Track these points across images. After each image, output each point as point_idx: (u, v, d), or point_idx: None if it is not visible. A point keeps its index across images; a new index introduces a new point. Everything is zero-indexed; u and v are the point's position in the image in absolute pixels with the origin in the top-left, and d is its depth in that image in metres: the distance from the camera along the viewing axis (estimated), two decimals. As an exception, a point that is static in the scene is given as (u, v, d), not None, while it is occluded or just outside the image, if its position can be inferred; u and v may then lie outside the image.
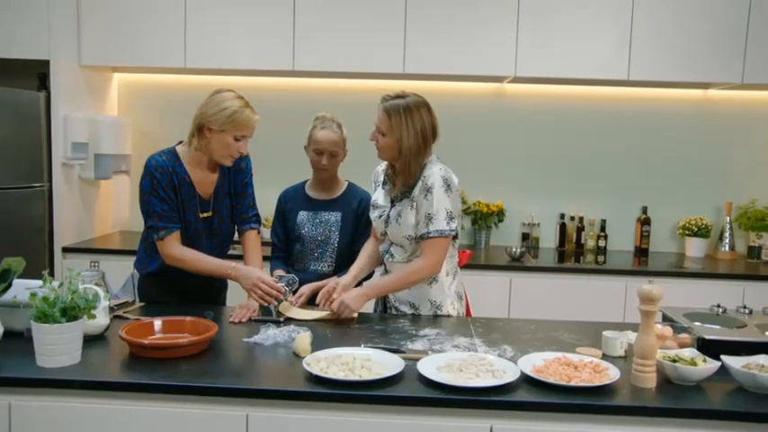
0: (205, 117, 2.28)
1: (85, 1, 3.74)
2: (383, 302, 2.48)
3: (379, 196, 2.46)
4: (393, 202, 2.38)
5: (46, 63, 3.59)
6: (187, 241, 2.37)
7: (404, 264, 2.36)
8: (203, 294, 2.53)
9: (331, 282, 2.38)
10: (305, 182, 2.79)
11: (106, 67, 4.01)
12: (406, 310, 2.39)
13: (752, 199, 4.04)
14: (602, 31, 3.69)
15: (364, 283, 2.49)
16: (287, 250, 2.73)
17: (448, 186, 2.27)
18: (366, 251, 2.53)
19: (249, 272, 2.29)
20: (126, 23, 3.75)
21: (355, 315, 2.29)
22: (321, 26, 3.71)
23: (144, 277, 2.50)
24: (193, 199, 2.38)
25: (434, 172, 2.27)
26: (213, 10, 3.74)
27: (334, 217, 2.66)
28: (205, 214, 2.42)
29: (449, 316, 2.37)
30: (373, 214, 2.46)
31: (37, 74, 3.73)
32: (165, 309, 2.24)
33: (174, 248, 2.32)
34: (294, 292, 2.38)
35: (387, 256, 2.42)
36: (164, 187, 2.30)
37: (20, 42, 3.56)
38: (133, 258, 2.58)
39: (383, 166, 2.50)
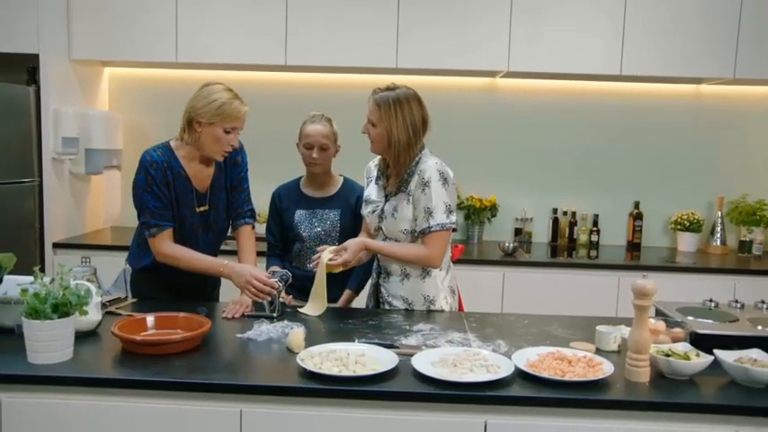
0: (194, 110, 2.28)
1: (75, -6, 3.72)
2: (376, 297, 2.48)
3: (372, 191, 2.45)
4: (387, 197, 2.37)
5: (35, 57, 3.55)
6: (182, 236, 2.35)
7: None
8: (196, 290, 2.51)
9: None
10: (299, 179, 2.77)
11: (96, 61, 3.98)
12: (399, 305, 2.39)
13: (743, 194, 4.06)
14: (595, 26, 3.69)
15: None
16: (283, 248, 2.72)
17: (445, 180, 2.28)
18: None
19: (242, 269, 2.28)
20: (116, 17, 3.72)
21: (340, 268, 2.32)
22: (313, 20, 3.70)
23: (137, 272, 2.48)
24: (190, 193, 2.37)
25: (431, 166, 2.27)
26: (204, 4, 3.71)
27: (332, 215, 2.65)
28: (202, 208, 2.41)
29: (442, 311, 2.37)
30: (366, 209, 2.45)
31: (26, 68, 3.70)
32: (158, 305, 2.22)
33: (166, 246, 2.30)
34: (289, 287, 2.37)
35: (380, 251, 2.42)
36: (158, 183, 2.28)
37: (9, 36, 3.53)
38: (125, 254, 2.57)
39: (376, 161, 2.49)
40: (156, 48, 3.74)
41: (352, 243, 2.32)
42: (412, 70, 3.76)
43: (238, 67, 3.88)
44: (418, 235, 2.31)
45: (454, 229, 2.34)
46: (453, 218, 2.30)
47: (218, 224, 2.48)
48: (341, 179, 2.75)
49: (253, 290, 2.22)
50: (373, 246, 2.36)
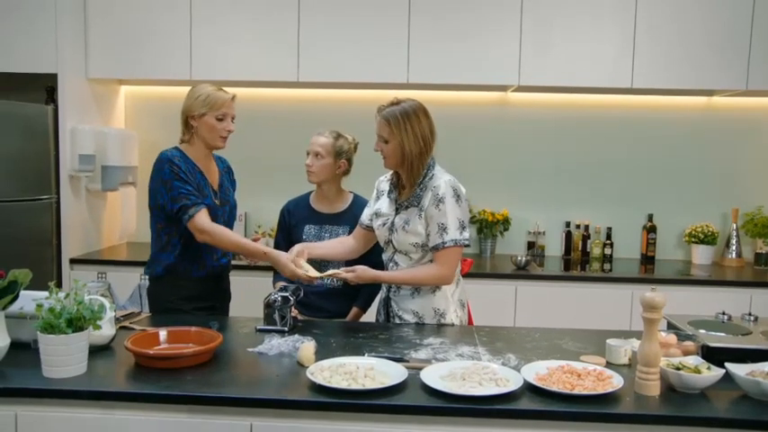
0: (187, 109, 2.50)
1: (92, 15, 3.79)
2: (386, 311, 2.48)
3: (383, 205, 2.47)
4: (398, 210, 2.39)
5: (54, 76, 3.63)
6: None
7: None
8: (211, 299, 2.55)
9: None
10: (308, 194, 2.79)
11: (113, 79, 4.06)
12: (410, 318, 2.39)
13: (758, 206, 4.03)
14: (606, 39, 3.70)
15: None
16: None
17: (458, 197, 2.30)
18: (341, 242, 2.59)
19: (285, 262, 2.34)
20: (132, 36, 3.80)
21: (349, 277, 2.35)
22: (325, 37, 3.74)
23: (154, 279, 2.51)
24: (206, 188, 2.50)
25: (445, 182, 2.30)
26: (218, 22, 3.77)
27: (341, 231, 2.66)
28: (217, 201, 2.53)
29: (452, 324, 2.38)
30: (376, 222, 2.46)
31: (45, 87, 3.78)
32: (171, 319, 2.25)
33: (205, 222, 2.38)
34: (299, 302, 2.39)
35: (391, 264, 2.43)
36: (183, 170, 2.41)
37: (28, 56, 3.61)
38: (140, 269, 2.61)
39: (387, 175, 2.51)
40: (171, 66, 3.80)
41: (361, 271, 2.33)
42: (423, 85, 3.78)
43: (251, 83, 3.92)
44: (431, 250, 2.32)
45: (467, 245, 2.35)
46: (466, 234, 2.31)
47: (230, 222, 2.61)
48: (351, 196, 2.77)
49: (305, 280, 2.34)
50: (385, 277, 2.39)
